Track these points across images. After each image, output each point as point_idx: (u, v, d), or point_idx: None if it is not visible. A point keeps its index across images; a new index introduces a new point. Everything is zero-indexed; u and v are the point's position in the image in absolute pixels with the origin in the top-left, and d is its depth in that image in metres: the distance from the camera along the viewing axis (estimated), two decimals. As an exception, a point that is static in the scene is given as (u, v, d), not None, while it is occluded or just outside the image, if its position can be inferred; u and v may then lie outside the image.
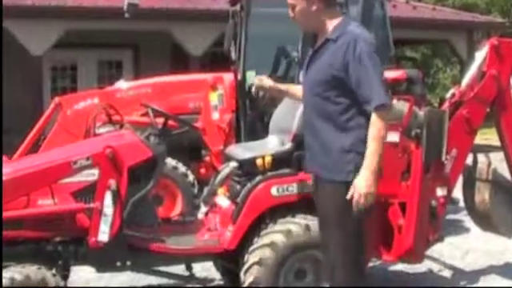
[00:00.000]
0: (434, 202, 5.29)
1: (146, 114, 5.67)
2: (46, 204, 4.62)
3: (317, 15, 3.96)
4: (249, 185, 4.82)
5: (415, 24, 17.08)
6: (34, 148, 7.43)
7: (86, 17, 14.44)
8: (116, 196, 4.51)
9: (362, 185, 3.84)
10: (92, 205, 4.55)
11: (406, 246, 5.03)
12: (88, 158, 4.56)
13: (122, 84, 8.11)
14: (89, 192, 4.67)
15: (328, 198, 4.02)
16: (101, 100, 7.55)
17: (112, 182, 4.52)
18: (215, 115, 7.75)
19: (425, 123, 4.98)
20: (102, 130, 6.54)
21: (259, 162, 4.83)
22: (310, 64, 4.08)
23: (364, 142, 3.88)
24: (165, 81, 8.27)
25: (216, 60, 13.41)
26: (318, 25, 4.01)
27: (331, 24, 3.98)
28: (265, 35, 7.46)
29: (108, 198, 4.51)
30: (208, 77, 7.99)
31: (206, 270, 5.79)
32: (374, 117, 3.81)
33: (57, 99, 7.72)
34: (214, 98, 7.75)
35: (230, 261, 5.07)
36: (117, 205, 4.52)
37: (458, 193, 6.02)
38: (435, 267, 6.51)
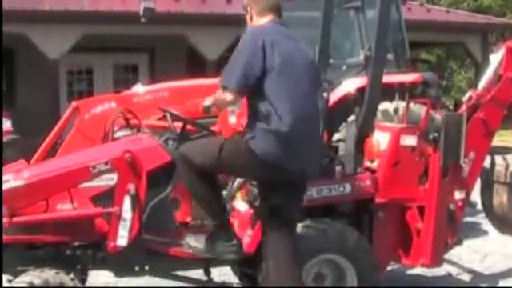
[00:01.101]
0: (452, 206, 5.29)
1: (163, 118, 5.68)
2: (64, 208, 4.64)
3: (250, 21, 4.53)
4: (267, 189, 4.81)
5: (430, 27, 17.02)
6: (52, 152, 7.44)
7: (103, 21, 14.49)
8: (135, 200, 4.52)
9: None
10: (111, 209, 4.57)
11: (425, 250, 5.02)
12: (107, 163, 4.57)
13: (139, 88, 8.08)
14: (108, 196, 4.69)
15: None
16: (118, 104, 7.51)
17: (131, 187, 4.53)
18: (232, 119, 7.69)
19: (442, 127, 4.97)
20: (119, 134, 6.54)
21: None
22: None
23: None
24: (182, 85, 8.23)
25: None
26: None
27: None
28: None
29: (127, 203, 4.52)
30: (225, 81, 7.95)
31: (223, 274, 5.79)
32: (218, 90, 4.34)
33: (74, 103, 7.70)
34: (230, 102, 7.71)
35: (248, 265, 5.06)
36: (135, 209, 4.53)
37: (476, 195, 6.00)
38: (454, 271, 6.49)
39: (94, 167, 4.55)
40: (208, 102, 4.51)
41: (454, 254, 6.12)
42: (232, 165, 4.40)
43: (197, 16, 15.19)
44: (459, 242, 5.49)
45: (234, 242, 4.62)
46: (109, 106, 7.52)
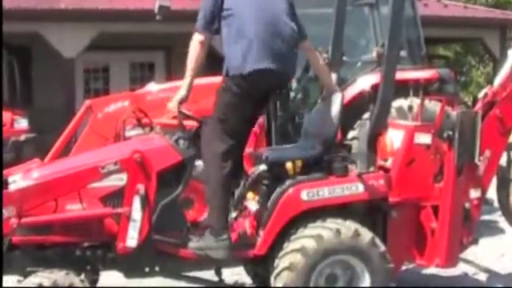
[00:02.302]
0: (467, 205, 5.21)
1: (176, 117, 5.63)
2: (74, 209, 4.61)
3: None
4: (278, 189, 4.76)
5: (447, 22, 16.83)
6: (66, 151, 7.43)
7: (118, 19, 14.47)
8: (144, 201, 4.48)
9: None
10: (120, 210, 4.53)
11: (439, 250, 4.94)
12: (116, 163, 4.54)
13: (153, 86, 8.05)
14: (117, 197, 4.65)
15: None
16: (131, 103, 7.49)
17: (140, 187, 4.49)
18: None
19: (457, 125, 4.89)
20: (132, 133, 6.51)
21: (289, 165, 4.77)
22: None
23: None
24: (196, 83, 8.18)
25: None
26: None
27: None
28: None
29: (136, 203, 4.48)
30: (238, 78, 7.89)
31: (236, 274, 5.75)
32: None
33: (87, 102, 7.70)
34: (244, 99, 7.64)
35: (260, 266, 5.02)
36: (145, 210, 4.49)
37: (492, 193, 5.91)
38: (470, 270, 6.40)
39: (103, 167, 4.52)
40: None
41: (470, 252, 6.01)
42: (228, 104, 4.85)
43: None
44: (475, 242, 5.41)
45: (224, 236, 4.64)
46: (122, 105, 7.51)
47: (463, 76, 25.00)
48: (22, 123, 12.95)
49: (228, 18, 4.79)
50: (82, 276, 4.56)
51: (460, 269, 6.14)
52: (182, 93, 4.94)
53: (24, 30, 13.73)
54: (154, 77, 17.35)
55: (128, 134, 6.44)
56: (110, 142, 6.61)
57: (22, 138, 12.52)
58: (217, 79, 8.44)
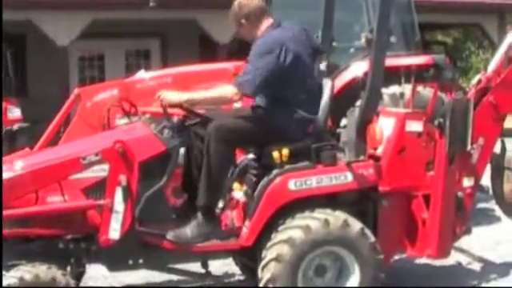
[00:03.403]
0: (460, 194, 5.12)
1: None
2: (55, 201, 4.51)
3: (251, 30, 4.86)
4: (265, 179, 4.65)
5: (445, 7, 16.70)
6: (55, 140, 7.33)
7: (112, 6, 14.33)
8: (127, 192, 4.37)
9: (171, 93, 4.85)
10: (102, 201, 4.42)
11: (431, 241, 4.84)
12: (97, 154, 4.43)
13: (143, 74, 7.94)
14: (100, 188, 4.55)
15: None
16: (120, 91, 7.38)
17: (123, 178, 4.38)
18: (237, 105, 7.55)
19: (448, 112, 4.77)
20: (121, 122, 6.40)
21: (276, 154, 4.65)
22: None
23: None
24: (186, 70, 8.08)
25: (244, 47, 13.15)
26: (254, 37, 4.86)
27: (260, 32, 4.85)
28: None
29: (119, 195, 4.37)
30: (230, 66, 7.79)
31: (226, 264, 5.65)
32: (227, 85, 4.79)
33: (76, 91, 7.58)
34: (236, 88, 7.52)
35: (248, 257, 4.92)
36: (128, 201, 4.39)
37: (488, 180, 5.79)
38: (464, 260, 6.29)
39: (84, 158, 4.41)
40: (203, 94, 4.83)
41: (464, 241, 5.89)
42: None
43: (206, -1, 15.00)
44: (468, 232, 5.31)
45: (210, 227, 4.65)
46: (111, 94, 7.39)
47: (462, 62, 24.83)
48: (15, 112, 12.82)
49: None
50: (68, 269, 4.48)
51: (454, 258, 6.02)
52: (183, 97, 4.79)
53: (17, 19, 13.59)
54: (150, 64, 17.28)
55: (118, 122, 6.33)
56: (100, 131, 6.49)
57: (15, 127, 12.40)
58: (205, 66, 8.42)
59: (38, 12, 13.64)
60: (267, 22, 4.86)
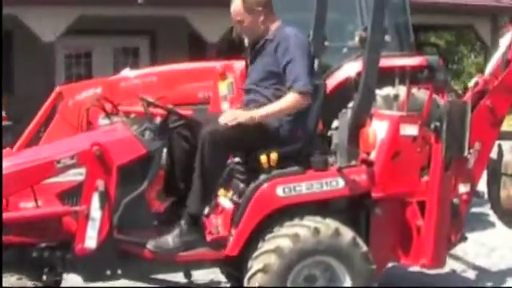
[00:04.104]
0: (456, 200, 4.90)
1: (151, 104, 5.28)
2: (28, 207, 4.24)
3: (263, 23, 4.61)
4: (252, 184, 4.41)
5: (438, 9, 16.55)
6: (35, 140, 7.09)
7: (98, 2, 14.08)
8: (104, 198, 4.12)
9: (240, 112, 4.45)
10: (78, 208, 4.16)
11: (426, 250, 4.62)
12: (73, 157, 4.17)
13: (127, 72, 7.70)
14: (76, 193, 4.29)
15: None
16: (104, 90, 7.16)
17: (100, 183, 4.12)
18: (225, 105, 7.32)
19: (444, 116, 4.54)
20: (105, 122, 6.16)
21: (263, 158, 4.41)
22: (253, 61, 4.72)
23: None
24: (171, 69, 7.86)
25: (233, 47, 12.94)
26: (264, 31, 4.62)
27: (272, 28, 4.63)
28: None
29: (95, 201, 4.11)
30: (217, 65, 7.56)
31: (211, 272, 5.40)
32: (290, 94, 4.39)
33: (58, 89, 7.36)
34: (223, 88, 7.30)
35: (234, 267, 4.68)
36: (105, 208, 4.13)
37: (483, 185, 5.59)
38: (458, 267, 6.10)
39: (58, 162, 4.15)
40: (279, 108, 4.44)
41: (459, 248, 5.66)
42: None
43: (195, -3, 14.78)
44: (463, 239, 5.11)
45: (193, 236, 4.41)
46: (94, 92, 7.17)
47: (454, 65, 24.72)
48: (-3, 111, 12.55)
49: None
50: (43, 278, 4.25)
51: (448, 266, 5.78)
52: (255, 118, 4.41)
53: (3, 14, 13.32)
54: (139, 62, 17.03)
55: (101, 122, 6.09)
56: (83, 131, 6.25)
57: (-4, 126, 12.14)
58: (191, 65, 8.19)
59: (23, 7, 13.36)
60: (278, 21, 4.68)
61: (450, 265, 5.91)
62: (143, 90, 7.19)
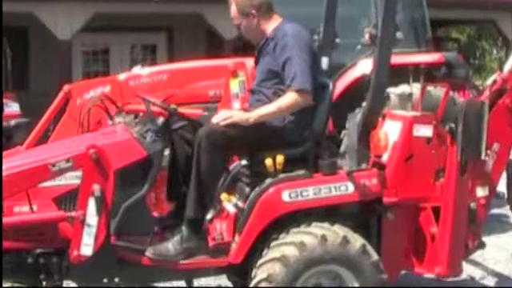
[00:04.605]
0: (473, 205, 4.65)
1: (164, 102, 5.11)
2: (23, 211, 4.09)
3: (258, 26, 4.46)
4: (257, 189, 4.21)
5: (459, 3, 16.27)
6: (43, 139, 6.96)
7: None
8: (101, 203, 3.94)
9: (234, 112, 4.34)
10: (74, 213, 3.98)
11: (440, 258, 4.38)
12: (68, 160, 3.99)
13: (138, 71, 7.53)
14: (73, 197, 4.12)
15: None
16: (112, 88, 7.01)
17: (96, 188, 3.94)
18: (236, 104, 7.13)
19: (461, 116, 4.30)
20: (118, 120, 6.02)
21: (269, 161, 4.20)
22: (257, 61, 4.59)
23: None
24: (182, 67, 7.68)
25: (250, 44, 12.71)
26: (262, 32, 4.48)
27: (271, 27, 4.47)
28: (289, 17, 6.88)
29: (91, 206, 3.94)
30: (228, 62, 7.36)
31: (219, 277, 5.20)
32: (289, 94, 4.21)
33: (66, 87, 7.21)
34: (234, 86, 7.10)
35: (237, 274, 4.48)
36: (102, 213, 3.96)
37: (503, 186, 5.36)
38: (477, 273, 5.84)
39: (53, 165, 3.97)
40: (278, 108, 4.24)
41: (477, 252, 5.37)
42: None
43: (212, -7, 14.62)
44: (481, 246, 4.85)
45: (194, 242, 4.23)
46: (102, 91, 7.01)
47: (476, 60, 24.35)
48: (13, 107, 12.45)
49: None
50: (44, 283, 4.10)
51: (466, 271, 5.53)
52: (251, 119, 4.22)
53: (19, 11, 13.26)
54: (156, 59, 16.93)
55: (112, 121, 5.93)
56: (91, 130, 6.10)
57: (12, 122, 12.04)
58: (204, 63, 8.00)
59: (39, 4, 13.28)
60: (277, 19, 4.51)
61: (468, 271, 5.68)
62: (153, 88, 7.05)
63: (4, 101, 12.29)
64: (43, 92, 14.25)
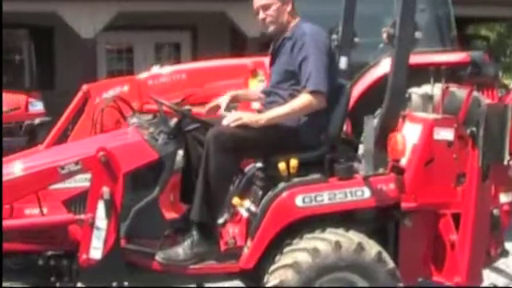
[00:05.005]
0: (496, 211, 4.49)
1: (182, 102, 5.04)
2: (33, 213, 4.03)
3: (287, 14, 4.34)
4: (270, 193, 4.10)
5: (488, 1, 16.03)
6: (63, 139, 6.94)
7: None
8: (110, 206, 3.86)
9: (245, 114, 4.20)
10: (83, 216, 3.91)
11: (460, 267, 4.23)
12: (77, 163, 3.92)
13: (157, 70, 7.48)
14: (82, 200, 4.05)
15: None
16: (131, 88, 6.99)
17: (105, 191, 3.87)
18: (255, 104, 7.03)
19: (482, 120, 4.15)
20: (133, 120, 5.97)
21: (282, 165, 4.09)
22: (272, 61, 4.48)
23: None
24: (201, 66, 7.63)
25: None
26: (285, 25, 4.35)
27: (291, 24, 4.36)
28: (310, 16, 6.78)
29: (101, 209, 3.87)
30: (248, 62, 7.28)
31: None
32: (302, 95, 4.11)
33: (85, 87, 7.19)
34: (254, 85, 7.04)
35: (250, 280, 4.37)
36: (111, 217, 3.88)
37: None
38: (500, 281, 5.64)
39: (62, 168, 3.91)
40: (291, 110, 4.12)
41: (501, 260, 5.25)
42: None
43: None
44: (505, 253, 4.69)
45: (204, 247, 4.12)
46: (121, 90, 7.00)
47: (507, 58, 24.01)
48: (37, 106, 12.50)
49: None
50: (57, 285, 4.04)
51: (488, 279, 5.37)
52: (262, 121, 4.12)
53: (43, 10, 13.31)
54: (180, 57, 16.91)
55: (131, 121, 5.88)
56: (110, 130, 6.05)
57: (37, 121, 12.11)
58: (223, 62, 7.92)
59: (62, 4, 13.32)
60: (296, 18, 4.40)
61: (491, 278, 5.50)
62: (172, 87, 7.00)
63: (29, 100, 12.37)
64: (68, 91, 14.29)
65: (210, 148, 4.03)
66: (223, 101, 4.55)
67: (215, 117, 4.91)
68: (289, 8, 4.34)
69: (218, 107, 4.52)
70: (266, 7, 4.31)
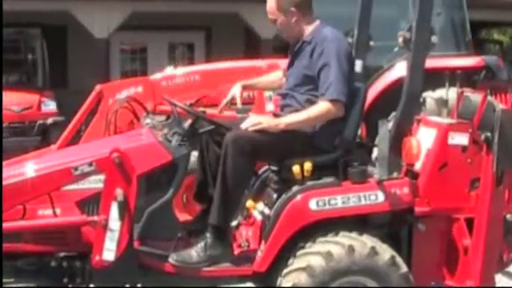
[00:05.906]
0: (509, 216, 4.47)
1: (196, 103, 5.04)
2: (46, 214, 4.04)
3: (297, 24, 4.30)
4: (284, 196, 4.09)
5: (501, 5, 15.96)
6: (76, 139, 6.96)
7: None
8: (123, 208, 3.86)
9: (263, 118, 4.20)
10: (96, 218, 3.92)
11: (473, 271, 4.21)
12: (91, 164, 3.93)
13: (170, 71, 7.50)
14: (97, 201, 4.06)
15: None
16: (145, 88, 7.00)
17: (119, 192, 3.86)
18: (269, 106, 7.04)
19: (496, 125, 4.13)
20: (147, 121, 5.98)
21: (296, 168, 4.08)
22: (291, 64, 4.44)
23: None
24: (215, 67, 7.63)
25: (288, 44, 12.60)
26: (299, 32, 4.34)
27: (308, 29, 4.33)
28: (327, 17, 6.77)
29: (114, 211, 3.86)
30: (262, 64, 7.27)
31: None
32: (322, 103, 4.10)
33: (98, 87, 7.21)
34: (268, 87, 7.01)
35: (264, 283, 4.36)
36: (124, 218, 3.88)
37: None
38: (513, 286, 5.63)
39: (76, 169, 3.91)
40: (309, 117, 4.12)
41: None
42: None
43: (250, -8, 14.55)
44: (518, 260, 4.67)
45: (219, 249, 4.11)
46: (135, 91, 7.02)
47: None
48: (50, 106, 12.58)
49: None
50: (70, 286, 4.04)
51: (500, 284, 5.35)
52: (280, 125, 4.11)
53: (57, 9, 13.36)
54: (194, 58, 16.94)
55: (144, 122, 5.89)
56: (123, 130, 6.06)
57: (50, 121, 12.20)
58: (237, 64, 7.92)
59: (76, 3, 13.37)
60: (315, 21, 4.36)
61: (503, 283, 5.47)
62: (186, 88, 7.01)
63: (42, 99, 12.43)
64: (81, 90, 14.35)
65: (228, 151, 4.03)
66: (236, 92, 4.60)
67: (230, 118, 4.92)
68: (295, 18, 4.28)
69: (233, 99, 4.51)
70: (273, 21, 4.35)
